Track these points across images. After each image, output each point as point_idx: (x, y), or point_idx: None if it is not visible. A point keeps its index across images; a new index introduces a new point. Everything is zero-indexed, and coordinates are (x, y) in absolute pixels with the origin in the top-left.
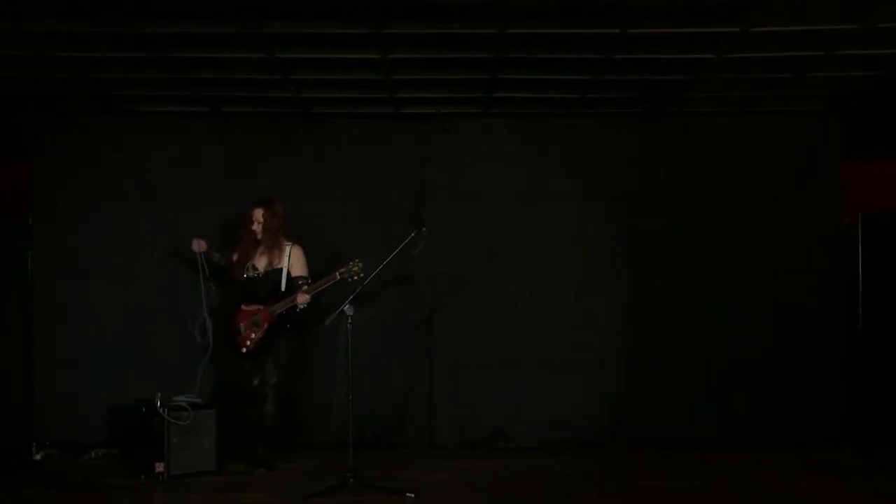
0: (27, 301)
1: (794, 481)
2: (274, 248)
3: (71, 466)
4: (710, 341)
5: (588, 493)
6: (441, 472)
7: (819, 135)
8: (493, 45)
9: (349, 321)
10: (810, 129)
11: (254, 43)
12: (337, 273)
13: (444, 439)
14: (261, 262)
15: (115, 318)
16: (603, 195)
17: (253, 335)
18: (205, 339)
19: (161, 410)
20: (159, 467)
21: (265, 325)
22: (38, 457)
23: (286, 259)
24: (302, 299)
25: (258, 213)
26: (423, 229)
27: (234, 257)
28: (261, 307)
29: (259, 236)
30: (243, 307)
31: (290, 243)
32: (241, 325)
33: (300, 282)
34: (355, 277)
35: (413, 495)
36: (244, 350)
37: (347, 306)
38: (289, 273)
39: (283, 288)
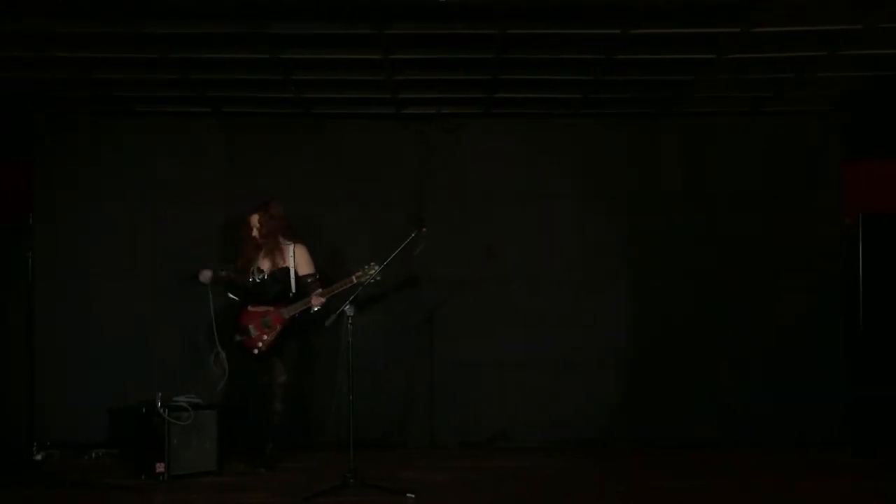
0: (27, 301)
1: (794, 481)
2: (275, 249)
3: (71, 466)
4: (710, 341)
5: (588, 493)
6: (441, 473)
7: (820, 135)
8: (493, 45)
9: (349, 322)
10: (811, 129)
11: (255, 43)
12: (353, 277)
13: (445, 439)
14: (265, 265)
15: (116, 318)
16: (603, 195)
17: (265, 337)
18: (224, 373)
19: (161, 411)
20: (160, 467)
21: (277, 327)
22: (38, 457)
23: (291, 259)
24: (317, 301)
25: (254, 219)
26: (424, 230)
27: (238, 264)
28: (270, 308)
29: (259, 241)
30: (250, 308)
31: (291, 243)
32: (250, 326)
33: (309, 279)
34: (371, 281)
35: (413, 495)
36: (255, 352)
37: (348, 307)
38: (296, 272)
39: (293, 289)
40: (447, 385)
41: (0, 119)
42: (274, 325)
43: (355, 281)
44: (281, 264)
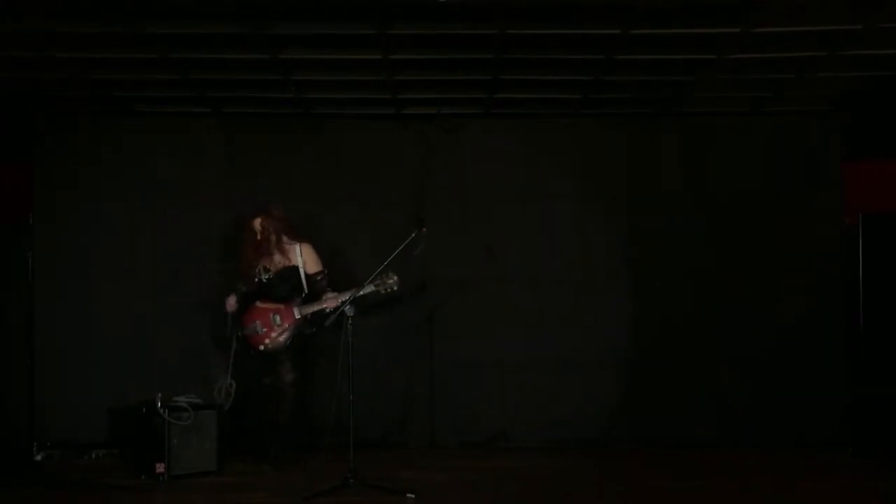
0: (27, 301)
1: (794, 481)
2: (280, 249)
3: (71, 467)
4: (710, 341)
5: (588, 493)
6: (441, 473)
7: (820, 135)
8: (493, 45)
9: (349, 322)
10: (811, 129)
11: (255, 43)
12: (372, 285)
13: (445, 439)
14: (271, 264)
15: (116, 318)
16: (603, 195)
17: (273, 334)
18: (226, 404)
19: (161, 411)
20: (160, 468)
21: (287, 325)
22: (38, 457)
23: (298, 259)
24: (333, 303)
25: (256, 223)
26: (424, 230)
27: (241, 266)
28: (280, 306)
29: (263, 243)
30: (259, 304)
31: (296, 243)
32: (258, 321)
33: (318, 277)
34: (390, 291)
35: (413, 496)
36: (261, 348)
37: (348, 307)
38: (305, 272)
39: (305, 289)
40: (447, 385)
41: (0, 119)
42: (284, 323)
43: (374, 288)
44: (287, 263)
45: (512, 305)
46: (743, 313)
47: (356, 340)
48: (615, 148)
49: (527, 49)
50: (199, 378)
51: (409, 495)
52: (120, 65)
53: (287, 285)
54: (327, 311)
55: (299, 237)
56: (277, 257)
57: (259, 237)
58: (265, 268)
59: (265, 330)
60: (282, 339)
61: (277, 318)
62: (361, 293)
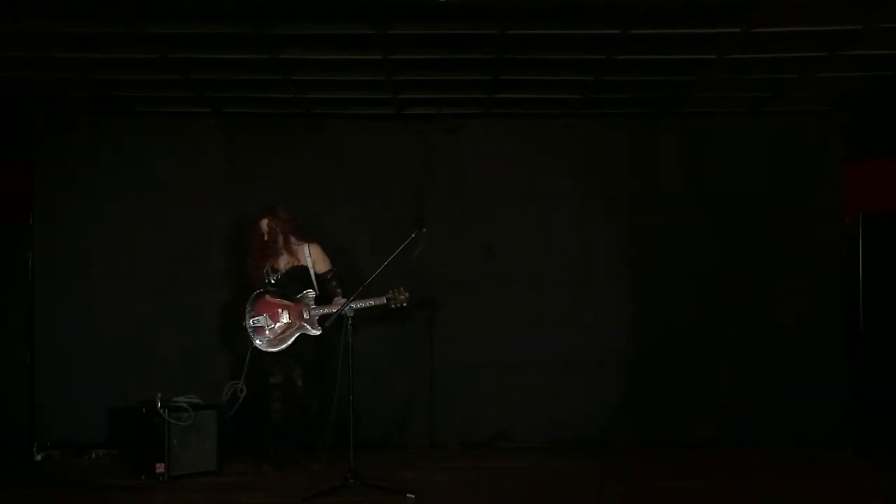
0: (27, 301)
1: (794, 481)
2: (288, 250)
3: (71, 467)
4: (710, 341)
5: (588, 493)
6: (441, 473)
7: (820, 135)
8: (494, 45)
9: (349, 322)
10: (811, 129)
11: (255, 43)
12: (384, 297)
13: (445, 439)
14: (279, 264)
15: (116, 318)
16: (603, 195)
17: (277, 328)
18: (232, 406)
19: (161, 411)
20: (160, 468)
21: (293, 323)
22: (38, 457)
23: (307, 258)
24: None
25: (263, 224)
26: (424, 230)
27: (247, 267)
28: (290, 304)
29: (270, 244)
30: (268, 297)
31: (304, 242)
32: (265, 314)
33: (329, 275)
34: (399, 306)
35: (413, 496)
36: (261, 341)
37: (347, 307)
38: (314, 271)
39: (316, 288)
40: (447, 385)
41: (0, 119)
42: (291, 320)
43: (385, 301)
44: (296, 263)
45: (512, 305)
46: (743, 313)
47: (356, 340)
48: (615, 148)
49: (527, 49)
50: (200, 378)
51: (409, 495)
52: (120, 65)
53: (297, 285)
54: (342, 313)
55: (307, 237)
56: (285, 258)
57: (266, 238)
58: (273, 269)
59: (270, 323)
60: (285, 336)
61: (286, 314)
62: (373, 304)
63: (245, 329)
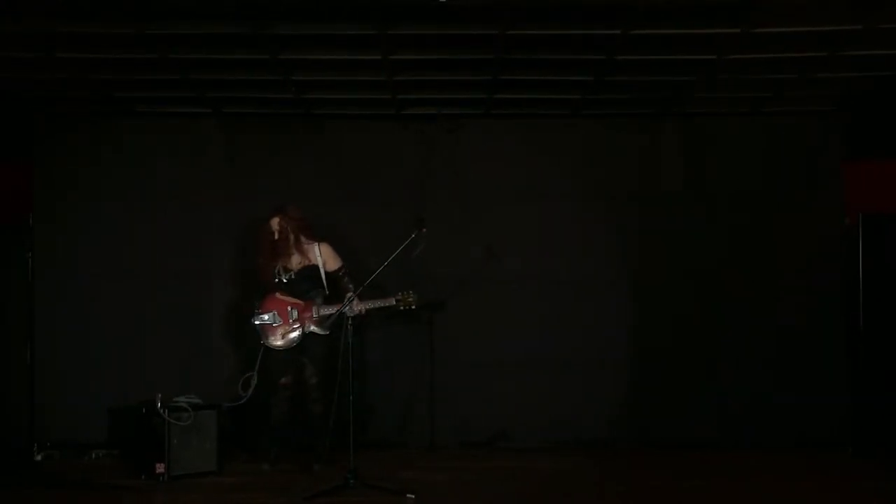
0: (27, 301)
1: (794, 481)
2: (298, 249)
3: (71, 467)
4: (710, 341)
5: (588, 493)
6: (441, 473)
7: (820, 135)
8: (494, 46)
9: (349, 322)
10: (811, 129)
11: (255, 43)
12: (393, 299)
13: (445, 439)
14: (290, 264)
15: (116, 318)
16: (603, 195)
17: (286, 326)
18: (245, 392)
19: (161, 411)
20: (160, 468)
21: (302, 321)
22: (38, 457)
23: (318, 258)
24: (355, 309)
25: (274, 222)
26: (424, 230)
27: (258, 267)
28: (300, 302)
29: (280, 243)
30: (278, 295)
31: (314, 242)
32: (274, 312)
33: (340, 273)
34: (407, 308)
35: (413, 496)
36: (270, 339)
37: (347, 308)
38: (325, 270)
39: (325, 287)
40: (447, 385)
41: (0, 119)
42: (300, 318)
43: (394, 303)
44: (307, 262)
45: (512, 305)
46: (743, 313)
47: (356, 340)
48: (615, 148)
49: (527, 49)
50: (200, 378)
51: (409, 495)
52: (120, 65)
53: (307, 284)
54: (355, 312)
55: (316, 237)
56: (296, 257)
57: (277, 237)
58: (284, 268)
59: (280, 322)
60: (293, 335)
61: (295, 312)
62: (382, 305)
63: (254, 325)
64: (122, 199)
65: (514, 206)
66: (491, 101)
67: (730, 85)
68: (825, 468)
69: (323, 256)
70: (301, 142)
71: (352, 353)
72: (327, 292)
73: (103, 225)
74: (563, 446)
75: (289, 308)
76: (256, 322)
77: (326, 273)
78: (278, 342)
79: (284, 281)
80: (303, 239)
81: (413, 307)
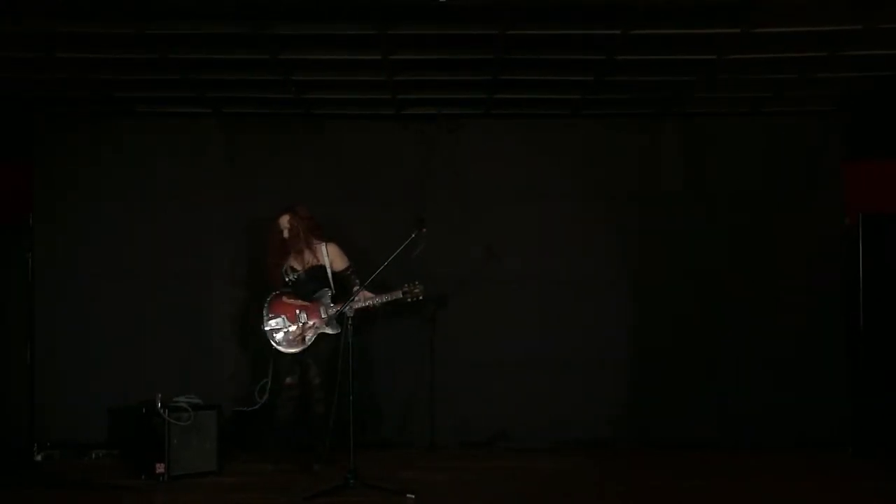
0: (27, 301)
1: (794, 481)
2: (307, 249)
3: (72, 467)
4: (710, 341)
5: (588, 493)
6: (441, 473)
7: (820, 135)
8: (494, 46)
9: (349, 322)
10: (811, 129)
11: (255, 43)
12: (400, 292)
13: (445, 439)
14: (297, 264)
15: (116, 318)
16: (603, 195)
17: (295, 329)
18: (261, 399)
19: (161, 411)
20: (160, 468)
21: (311, 323)
22: (38, 457)
23: (325, 258)
24: (359, 305)
25: (284, 220)
26: (424, 230)
27: (267, 265)
28: (308, 304)
29: (289, 242)
30: (285, 299)
31: (322, 242)
32: (283, 316)
33: (348, 272)
34: (415, 300)
35: (413, 496)
36: (280, 342)
37: (347, 307)
38: (332, 270)
39: (332, 287)
40: (447, 385)
41: (0, 119)
42: (309, 320)
43: (401, 296)
44: (315, 262)
45: (512, 305)
46: (743, 313)
47: (356, 340)
48: (615, 148)
49: (527, 49)
50: (200, 378)
51: (409, 495)
52: (120, 65)
53: (314, 284)
54: (372, 304)
55: (324, 237)
56: (304, 257)
57: (286, 235)
58: (292, 268)
59: (289, 325)
60: (304, 336)
61: (303, 314)
62: (390, 299)
63: (264, 332)
64: (122, 199)
65: (514, 206)
66: (491, 101)
67: (730, 85)
68: (825, 468)
69: (330, 256)
70: (301, 142)
71: (352, 352)
72: (334, 291)
73: (103, 225)
74: (563, 446)
75: (297, 311)
76: (267, 328)
77: (333, 273)
78: (293, 349)
79: (292, 280)
80: (312, 239)
81: (420, 298)
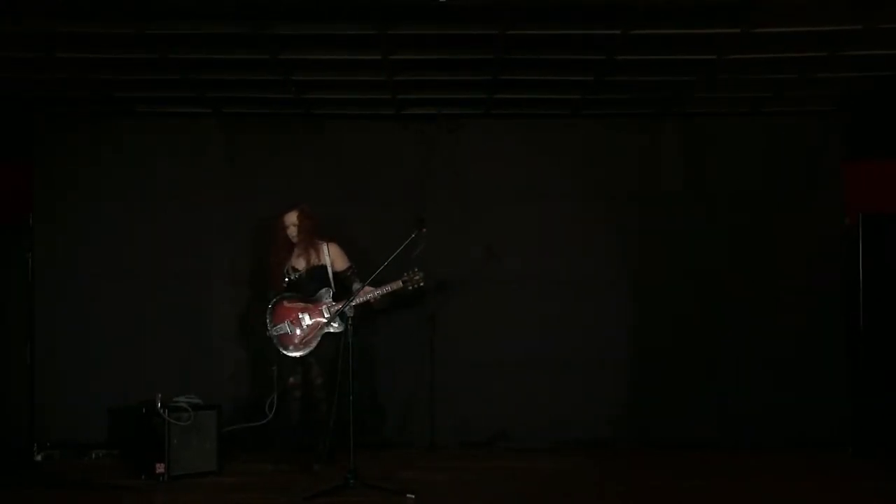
0: (27, 301)
1: (794, 481)
2: (310, 248)
3: (72, 467)
4: (710, 341)
5: (588, 493)
6: (441, 473)
7: (820, 135)
8: (494, 46)
9: (349, 322)
10: (811, 129)
11: (255, 43)
12: (400, 281)
13: (445, 439)
14: (300, 263)
15: (116, 318)
16: (603, 195)
17: (301, 333)
18: (270, 412)
19: (161, 411)
20: (160, 468)
21: (316, 324)
22: (38, 457)
23: (326, 257)
24: (362, 299)
25: (292, 217)
26: (424, 230)
27: (270, 263)
28: (309, 305)
29: (294, 240)
30: (286, 303)
31: (324, 242)
32: (287, 321)
33: (348, 273)
34: (416, 287)
35: (413, 496)
36: (291, 349)
37: (347, 307)
38: (333, 270)
39: (333, 286)
40: (447, 385)
41: (0, 119)
42: (313, 321)
43: (402, 285)
44: (316, 262)
45: (512, 305)
46: (743, 313)
47: (356, 340)
48: (615, 148)
49: (527, 49)
50: (200, 378)
51: (409, 495)
52: (120, 65)
53: (316, 284)
54: (363, 299)
55: (325, 237)
56: (307, 256)
57: (290, 233)
58: (293, 268)
59: (294, 329)
60: (310, 338)
61: (306, 316)
62: (391, 290)
63: (270, 339)
64: (122, 199)
65: (514, 206)
66: (491, 101)
67: (730, 85)
68: (825, 468)
69: (331, 256)
70: (301, 142)
71: (352, 352)
72: (334, 290)
73: (103, 225)
74: (563, 446)
75: (300, 314)
76: (272, 335)
77: (334, 273)
78: (300, 352)
79: (293, 279)
80: (315, 238)
81: (421, 284)
